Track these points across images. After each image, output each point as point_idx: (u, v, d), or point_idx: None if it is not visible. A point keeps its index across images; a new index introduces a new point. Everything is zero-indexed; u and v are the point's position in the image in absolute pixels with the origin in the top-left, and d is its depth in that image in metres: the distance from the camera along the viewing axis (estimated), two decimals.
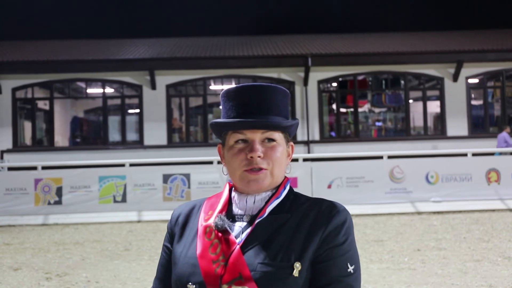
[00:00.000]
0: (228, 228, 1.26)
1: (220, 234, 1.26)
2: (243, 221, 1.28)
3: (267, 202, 1.29)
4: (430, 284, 4.89)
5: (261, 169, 1.27)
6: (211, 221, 1.29)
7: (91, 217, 9.45)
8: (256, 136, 1.28)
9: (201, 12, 35.42)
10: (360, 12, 34.04)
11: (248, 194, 1.31)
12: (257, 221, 1.26)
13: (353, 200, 9.41)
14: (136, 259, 6.29)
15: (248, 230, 1.25)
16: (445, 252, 6.20)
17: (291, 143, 1.38)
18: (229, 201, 1.34)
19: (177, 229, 1.37)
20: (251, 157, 1.26)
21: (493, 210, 9.33)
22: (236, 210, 1.31)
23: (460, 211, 9.30)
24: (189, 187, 9.92)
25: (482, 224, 8.10)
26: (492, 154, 10.65)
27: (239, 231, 1.27)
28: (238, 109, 1.29)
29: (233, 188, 1.36)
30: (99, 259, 6.36)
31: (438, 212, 9.30)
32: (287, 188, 1.35)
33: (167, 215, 9.25)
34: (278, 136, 1.30)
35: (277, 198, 1.30)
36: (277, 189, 1.32)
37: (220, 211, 1.31)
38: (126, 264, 6.06)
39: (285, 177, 1.36)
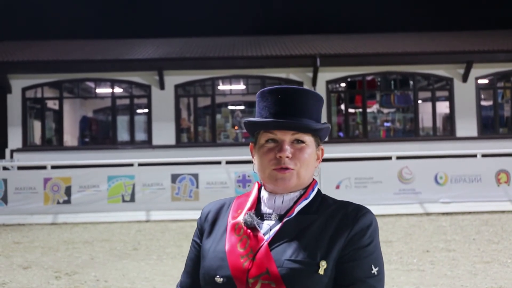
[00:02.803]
0: (256, 225, 1.30)
1: (249, 231, 1.30)
2: (271, 219, 1.32)
3: (296, 202, 1.33)
4: (439, 286, 4.87)
5: (288, 168, 1.30)
6: (240, 218, 1.33)
7: (99, 216, 9.50)
8: (286, 136, 1.31)
9: (210, 12, 35.48)
10: (369, 12, 33.94)
11: (277, 194, 1.34)
12: (285, 219, 1.29)
13: (362, 201, 9.25)
14: (144, 259, 6.31)
15: (277, 228, 1.29)
16: (454, 253, 6.17)
17: (321, 146, 1.41)
18: (257, 200, 1.38)
19: (207, 226, 1.41)
20: (280, 156, 1.30)
21: (503, 212, 9.27)
22: (264, 209, 1.35)
23: (469, 212, 9.25)
24: (197, 187, 9.94)
25: (492, 225, 8.05)
26: (501, 155, 10.55)
27: (267, 229, 1.31)
28: (270, 109, 1.33)
29: (262, 188, 1.40)
30: (108, 258, 6.39)
31: (447, 213, 9.25)
32: (315, 190, 1.39)
33: (175, 215, 9.31)
34: (308, 138, 1.33)
35: (306, 199, 1.34)
36: (305, 190, 1.36)
37: (249, 209, 1.35)
38: (135, 263, 6.08)
39: (314, 179, 1.41)
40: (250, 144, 1.42)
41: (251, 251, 1.26)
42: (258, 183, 1.42)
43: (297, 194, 1.34)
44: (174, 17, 35.63)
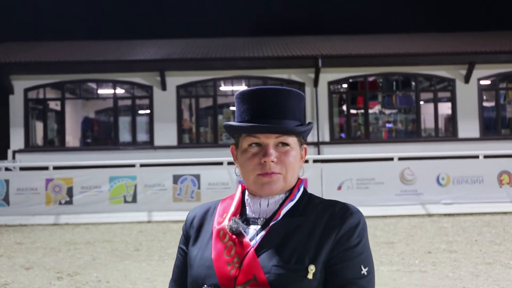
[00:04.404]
0: (242, 231, 1.26)
1: (234, 237, 1.26)
2: (257, 224, 1.28)
3: (282, 205, 1.29)
4: (441, 287, 4.86)
5: (274, 173, 1.27)
6: (225, 224, 1.29)
7: (101, 217, 9.50)
8: (270, 140, 1.27)
9: (211, 13, 35.49)
10: (370, 13, 33.92)
11: (262, 197, 1.30)
12: (271, 224, 1.26)
13: (363, 202, 9.35)
14: (146, 260, 6.31)
15: (263, 233, 1.26)
16: (456, 254, 6.16)
17: (305, 145, 1.38)
18: (242, 204, 1.34)
19: (192, 232, 1.37)
20: (265, 161, 1.26)
21: (505, 213, 9.25)
22: (250, 213, 1.31)
23: (471, 214, 9.23)
24: (199, 188, 9.95)
25: (494, 226, 8.03)
26: (504, 156, 10.53)
27: (253, 233, 1.27)
28: (252, 112, 1.28)
29: (246, 191, 1.35)
30: (110, 259, 6.39)
31: (449, 215, 9.23)
32: (301, 190, 1.34)
33: (177, 216, 9.30)
34: (292, 140, 1.29)
35: (291, 200, 1.30)
36: (291, 192, 1.32)
37: (233, 214, 1.31)
38: (136, 264, 6.08)
39: (299, 178, 1.36)
40: (231, 146, 1.38)
41: (238, 258, 1.22)
42: (241, 185, 1.38)
43: (282, 196, 1.30)
44: (175, 18, 35.66)
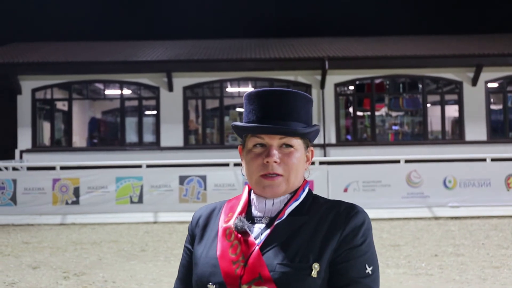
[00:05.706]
0: (247, 230, 1.28)
1: (239, 236, 1.28)
2: (262, 223, 1.30)
3: (286, 204, 1.31)
4: None
5: (276, 174, 1.28)
6: (231, 223, 1.31)
7: (108, 217, 9.54)
8: (274, 141, 1.29)
9: (218, 14, 35.54)
10: (377, 15, 33.85)
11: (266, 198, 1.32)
12: (276, 222, 1.27)
13: (370, 204, 9.33)
14: (152, 260, 6.32)
15: (267, 231, 1.27)
16: (463, 258, 6.13)
17: (311, 148, 1.38)
18: (248, 203, 1.36)
19: (198, 231, 1.39)
20: (267, 162, 1.27)
21: None
22: (255, 212, 1.33)
23: (478, 217, 9.18)
24: (205, 189, 9.96)
25: (501, 230, 7.99)
26: (511, 159, 10.47)
27: (258, 232, 1.28)
28: (257, 113, 1.30)
29: (252, 191, 1.37)
30: (116, 259, 6.41)
31: (456, 218, 9.19)
32: (306, 190, 1.36)
33: (183, 217, 9.32)
34: (296, 142, 1.30)
35: (296, 200, 1.32)
36: (295, 192, 1.33)
37: (240, 213, 1.33)
38: (143, 264, 6.10)
39: (304, 179, 1.37)
40: (239, 146, 1.39)
41: (243, 256, 1.24)
42: (248, 185, 1.39)
43: (287, 196, 1.32)
44: (183, 20, 35.74)
